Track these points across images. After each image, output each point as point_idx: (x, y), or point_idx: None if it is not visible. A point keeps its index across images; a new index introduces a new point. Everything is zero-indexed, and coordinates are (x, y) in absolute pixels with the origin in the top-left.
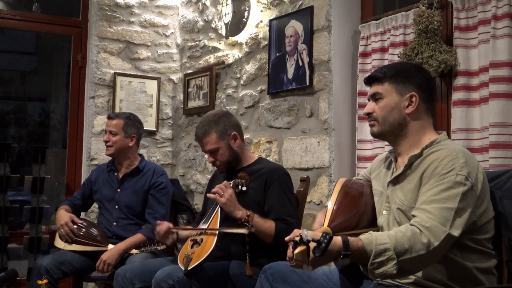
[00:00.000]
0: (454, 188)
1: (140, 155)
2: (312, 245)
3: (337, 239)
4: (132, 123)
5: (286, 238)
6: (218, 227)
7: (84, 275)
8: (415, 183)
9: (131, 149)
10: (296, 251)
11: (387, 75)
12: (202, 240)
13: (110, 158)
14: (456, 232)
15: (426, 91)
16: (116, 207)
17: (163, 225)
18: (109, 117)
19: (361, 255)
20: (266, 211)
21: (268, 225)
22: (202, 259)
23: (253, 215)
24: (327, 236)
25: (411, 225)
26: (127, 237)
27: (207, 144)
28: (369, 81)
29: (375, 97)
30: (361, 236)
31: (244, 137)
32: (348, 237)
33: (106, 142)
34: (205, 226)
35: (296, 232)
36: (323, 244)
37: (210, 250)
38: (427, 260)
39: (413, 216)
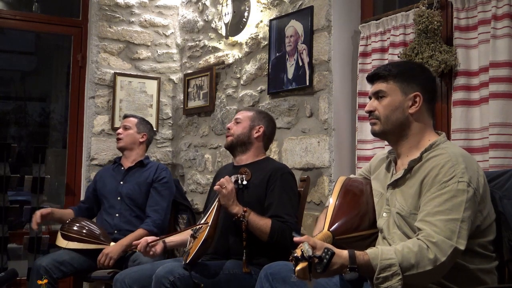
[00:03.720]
0: (457, 196)
1: (146, 155)
2: (314, 260)
3: (343, 253)
4: (145, 123)
5: (295, 239)
6: (212, 220)
7: (84, 275)
8: (415, 189)
9: (140, 146)
10: (298, 268)
11: (392, 73)
12: (199, 234)
13: (111, 158)
14: (462, 245)
15: (429, 91)
16: (119, 198)
17: (141, 241)
18: (126, 116)
19: (367, 269)
20: (265, 207)
21: (263, 222)
22: (196, 250)
23: (250, 212)
24: (329, 252)
25: (418, 239)
26: (129, 230)
27: (240, 114)
28: (372, 78)
29: (378, 95)
30: (368, 250)
31: (268, 147)
32: (355, 251)
33: (119, 134)
34: (203, 221)
35: (306, 238)
36: (325, 260)
37: (203, 239)
38: (434, 275)
39: (418, 228)
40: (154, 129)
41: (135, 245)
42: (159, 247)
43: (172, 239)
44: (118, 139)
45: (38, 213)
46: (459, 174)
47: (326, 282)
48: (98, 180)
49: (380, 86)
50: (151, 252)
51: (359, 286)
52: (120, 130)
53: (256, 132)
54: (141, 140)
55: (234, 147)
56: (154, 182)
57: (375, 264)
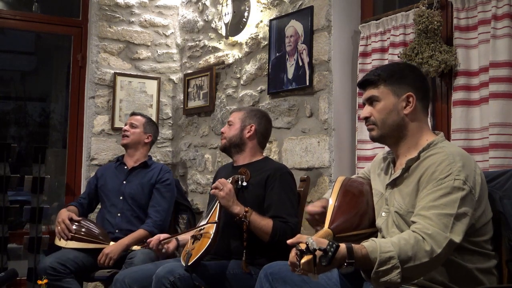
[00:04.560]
0: (452, 193)
1: (149, 156)
2: (318, 253)
3: (342, 247)
4: (152, 124)
5: (289, 241)
6: (216, 223)
7: (87, 273)
8: (413, 187)
9: (144, 146)
10: (303, 260)
11: (381, 78)
12: (201, 235)
13: (111, 158)
14: (457, 238)
15: (421, 90)
16: (121, 197)
17: (154, 238)
18: (133, 113)
19: (364, 262)
20: (265, 208)
21: (265, 222)
22: (200, 253)
23: (251, 212)
24: (334, 245)
25: (413, 232)
26: (129, 229)
27: (232, 116)
28: (362, 85)
29: (371, 101)
30: (365, 243)
31: (265, 145)
32: (352, 245)
33: (125, 131)
34: (205, 222)
35: (299, 237)
36: (330, 253)
37: (208, 244)
38: (430, 267)
39: (413, 222)
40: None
41: (147, 243)
42: (172, 245)
43: (184, 237)
44: (124, 136)
45: (67, 221)
46: (455, 172)
47: (326, 282)
48: (99, 177)
49: (372, 91)
50: (163, 250)
51: (359, 285)
52: (126, 127)
53: (248, 132)
54: (146, 141)
55: (228, 150)
56: (157, 183)
57: (374, 257)
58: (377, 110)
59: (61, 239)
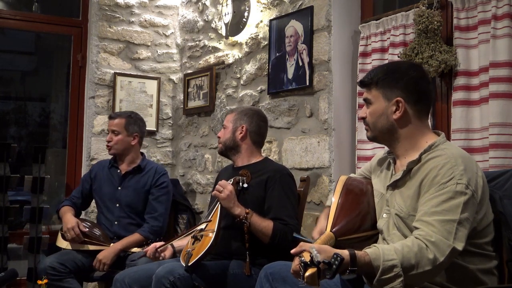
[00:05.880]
0: (455, 198)
1: (142, 153)
2: (323, 266)
3: (344, 253)
4: (133, 121)
5: (292, 251)
6: (217, 224)
7: (87, 274)
8: (414, 190)
9: (134, 147)
10: (307, 273)
11: (373, 81)
12: (202, 236)
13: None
14: (460, 246)
15: (414, 93)
16: (117, 205)
17: (150, 247)
18: (111, 117)
19: (367, 269)
20: (265, 210)
21: (265, 224)
22: (201, 254)
23: (252, 213)
24: (338, 258)
25: (416, 238)
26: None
27: (225, 120)
28: (361, 85)
29: (366, 102)
30: (368, 250)
31: (262, 143)
32: (356, 252)
33: (108, 142)
34: (206, 223)
35: (303, 246)
36: (334, 266)
37: (209, 245)
38: (432, 274)
39: (415, 227)
40: (145, 120)
41: (144, 252)
42: (168, 252)
43: (180, 244)
44: (108, 147)
45: (77, 230)
46: (457, 175)
47: (326, 283)
48: (93, 179)
49: (366, 93)
50: (160, 258)
51: (359, 286)
52: (109, 137)
53: (240, 133)
54: (133, 143)
55: (225, 153)
56: (152, 188)
57: (377, 265)
58: (369, 113)
59: (63, 240)
